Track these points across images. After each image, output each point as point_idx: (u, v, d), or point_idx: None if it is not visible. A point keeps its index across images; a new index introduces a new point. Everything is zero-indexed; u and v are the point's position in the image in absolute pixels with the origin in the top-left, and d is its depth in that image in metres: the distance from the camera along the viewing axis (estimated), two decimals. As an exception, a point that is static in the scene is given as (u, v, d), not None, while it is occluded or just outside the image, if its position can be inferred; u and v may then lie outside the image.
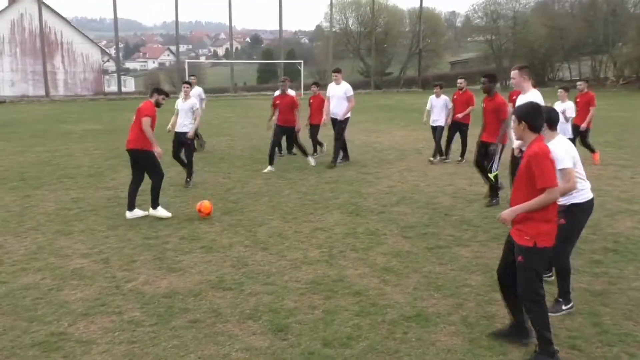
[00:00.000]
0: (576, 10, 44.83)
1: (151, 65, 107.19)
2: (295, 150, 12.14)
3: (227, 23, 40.58)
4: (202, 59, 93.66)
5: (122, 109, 25.77)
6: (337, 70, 11.14)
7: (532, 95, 6.11)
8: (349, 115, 10.97)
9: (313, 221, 7.36)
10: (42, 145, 14.17)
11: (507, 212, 3.86)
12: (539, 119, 3.91)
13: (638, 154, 12.44)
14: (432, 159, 11.51)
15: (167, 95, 7.81)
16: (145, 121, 7.35)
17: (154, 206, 7.58)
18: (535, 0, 47.31)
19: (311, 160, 11.21)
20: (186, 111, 9.62)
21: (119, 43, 40.62)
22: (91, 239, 6.60)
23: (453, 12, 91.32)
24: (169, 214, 7.54)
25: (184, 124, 9.58)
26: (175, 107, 9.80)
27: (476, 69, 52.88)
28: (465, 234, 6.75)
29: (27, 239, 6.60)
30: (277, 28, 41.53)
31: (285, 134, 11.17)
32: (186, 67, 34.81)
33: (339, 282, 5.29)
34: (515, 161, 6.52)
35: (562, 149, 4.31)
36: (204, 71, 63.57)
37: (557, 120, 4.47)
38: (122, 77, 43.42)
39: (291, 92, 11.49)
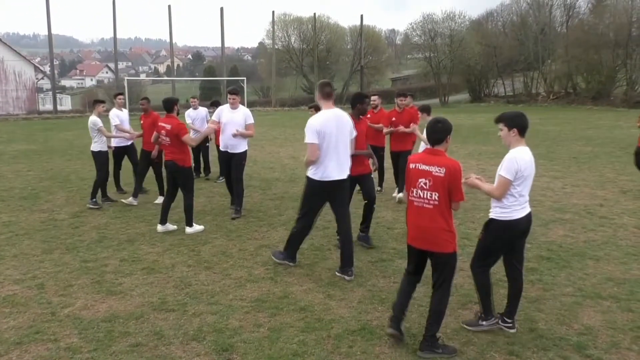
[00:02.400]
0: (508, 29, 46.90)
1: (89, 82, 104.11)
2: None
3: (168, 40, 40.07)
4: (143, 76, 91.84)
5: (57, 128, 24.90)
6: (234, 92, 8.34)
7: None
8: (246, 148, 8.55)
9: (257, 238, 7.33)
10: (-29, 166, 13.47)
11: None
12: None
13: (568, 165, 13.09)
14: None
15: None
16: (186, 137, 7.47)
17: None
18: (469, 19, 49.27)
19: (133, 201, 9.32)
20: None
21: (54, 60, 39.30)
22: (24, 264, 6.32)
23: (393, 30, 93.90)
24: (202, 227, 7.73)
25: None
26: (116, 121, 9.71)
27: (416, 84, 54.52)
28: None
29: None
30: (219, 45, 41.38)
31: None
32: (125, 84, 33.99)
33: (284, 298, 5.28)
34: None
35: (519, 159, 4.31)
36: (145, 88, 62.31)
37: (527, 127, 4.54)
38: (58, 95, 41.94)
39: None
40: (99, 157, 9.17)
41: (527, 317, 4.83)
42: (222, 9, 38.97)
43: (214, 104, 10.89)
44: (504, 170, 4.27)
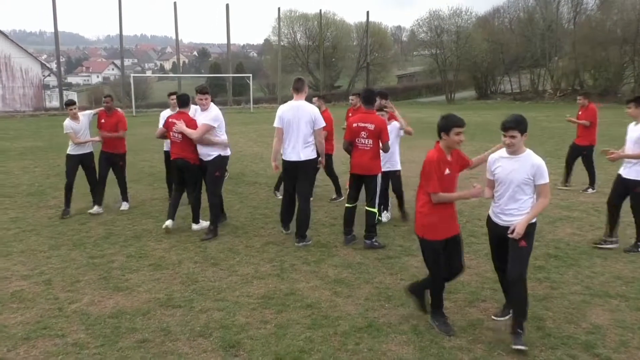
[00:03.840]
0: (515, 25, 46.67)
1: (95, 79, 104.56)
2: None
3: (174, 36, 40.10)
4: (148, 73, 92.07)
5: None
6: (203, 91, 7.25)
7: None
8: (227, 153, 7.53)
9: (264, 235, 7.32)
10: (-22, 163, 13.54)
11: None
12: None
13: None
14: None
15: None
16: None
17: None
18: (476, 16, 49.03)
19: (98, 209, 8.56)
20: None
21: (61, 57, 39.41)
22: (32, 260, 6.34)
23: (399, 27, 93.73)
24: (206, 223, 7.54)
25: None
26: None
27: (422, 82, 54.37)
28: (414, 244, 6.84)
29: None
30: (225, 42, 41.33)
31: (113, 162, 8.75)
32: (131, 81, 34.12)
33: (290, 295, 5.28)
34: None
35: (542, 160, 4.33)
36: (151, 85, 62.49)
37: None
38: (65, 92, 42.05)
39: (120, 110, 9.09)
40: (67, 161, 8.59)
41: (534, 315, 4.80)
42: (227, 5, 38.94)
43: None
44: (545, 176, 4.26)
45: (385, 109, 7.43)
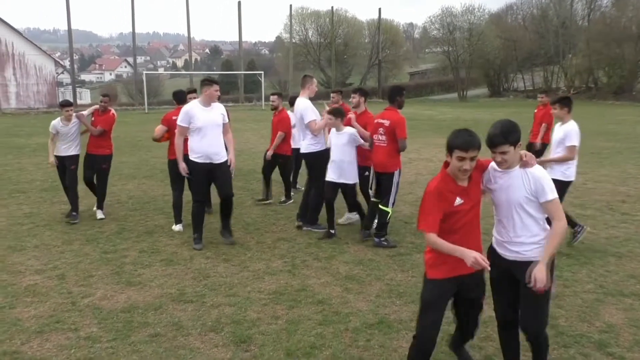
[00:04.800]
0: (528, 22, 46.35)
1: (108, 77, 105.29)
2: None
3: (186, 34, 40.23)
4: (161, 71, 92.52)
5: (77, 121, 25.11)
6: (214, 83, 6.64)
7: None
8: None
9: (275, 231, 7.34)
10: (-7, 159, 13.68)
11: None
12: None
13: (588, 161, 12.89)
14: None
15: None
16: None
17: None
18: (489, 13, 48.72)
19: (76, 218, 7.86)
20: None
21: (74, 54, 39.75)
22: (46, 255, 6.40)
23: (411, 24, 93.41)
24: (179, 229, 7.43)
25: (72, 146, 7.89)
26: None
27: (434, 79, 54.13)
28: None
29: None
30: (237, 39, 41.44)
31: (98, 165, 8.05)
32: (144, 78, 34.32)
33: (301, 291, 5.28)
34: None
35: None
36: (163, 83, 62.78)
37: None
38: (78, 89, 42.38)
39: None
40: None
41: (547, 313, 4.76)
42: (239, 3, 39.00)
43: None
44: (550, 190, 3.30)
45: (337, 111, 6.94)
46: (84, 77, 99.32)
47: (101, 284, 5.52)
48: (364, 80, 50.11)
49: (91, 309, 4.92)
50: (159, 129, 7.48)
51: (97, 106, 8.14)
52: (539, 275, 3.21)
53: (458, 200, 3.34)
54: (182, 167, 6.53)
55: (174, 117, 7.22)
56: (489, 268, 3.23)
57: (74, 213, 7.89)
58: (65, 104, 7.93)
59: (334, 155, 6.84)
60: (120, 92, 57.63)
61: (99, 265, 6.06)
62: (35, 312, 4.86)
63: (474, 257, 3.13)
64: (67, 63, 45.30)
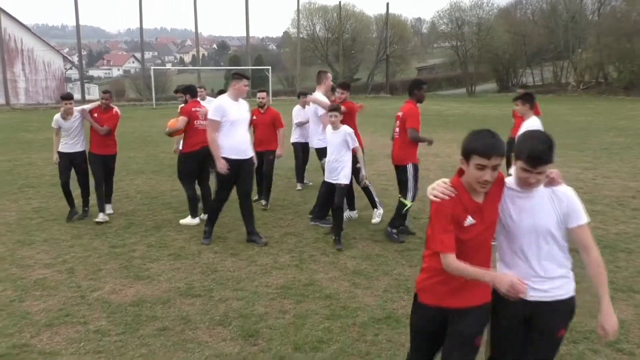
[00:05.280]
0: (537, 17, 45.98)
1: (116, 72, 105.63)
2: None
3: (193, 29, 40.27)
4: (168, 66, 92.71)
5: (86, 116, 25.23)
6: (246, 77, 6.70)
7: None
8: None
9: (283, 226, 7.34)
10: (2, 154, 13.79)
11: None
12: None
13: (598, 156, 12.80)
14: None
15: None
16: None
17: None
18: (498, 7, 48.38)
19: (104, 216, 7.64)
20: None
21: (82, 50, 39.91)
22: (55, 249, 6.44)
23: (419, 19, 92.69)
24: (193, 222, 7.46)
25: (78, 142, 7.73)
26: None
27: (442, 74, 53.88)
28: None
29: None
30: (244, 34, 41.41)
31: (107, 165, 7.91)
32: (152, 74, 34.39)
33: (309, 286, 5.28)
34: None
35: None
36: (170, 78, 62.88)
37: None
38: (86, 85, 42.59)
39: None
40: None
41: (556, 308, 4.74)
42: (247, -2, 38.95)
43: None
44: (582, 211, 2.89)
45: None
46: (92, 72, 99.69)
47: (110, 277, 5.54)
48: (372, 76, 49.95)
49: (100, 302, 4.94)
50: (181, 120, 7.25)
51: (98, 102, 7.91)
52: (612, 324, 2.78)
53: (469, 220, 2.69)
54: (222, 164, 6.25)
55: (194, 109, 7.27)
56: (528, 294, 2.62)
57: (86, 208, 7.91)
58: (65, 97, 7.66)
59: (328, 154, 6.65)
60: (128, 88, 57.74)
61: (107, 259, 6.09)
62: (44, 305, 4.89)
63: (510, 282, 2.52)
64: (75, 59, 45.49)
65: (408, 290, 5.15)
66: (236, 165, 6.36)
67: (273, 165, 8.57)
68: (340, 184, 6.54)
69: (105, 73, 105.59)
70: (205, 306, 4.85)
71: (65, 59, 42.98)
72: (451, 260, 2.64)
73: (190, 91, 7.71)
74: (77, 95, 41.08)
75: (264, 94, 8.57)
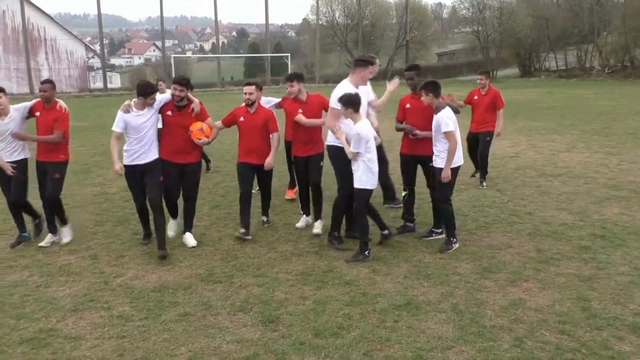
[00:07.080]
0: (561, 0, 44.99)
1: (137, 61, 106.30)
2: None
3: (213, 17, 40.35)
4: (189, 54, 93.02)
5: (107, 105, 25.50)
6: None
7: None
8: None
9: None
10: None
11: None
12: None
13: (624, 141, 12.53)
14: None
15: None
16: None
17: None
18: (520, -10, 47.37)
19: (51, 238, 6.42)
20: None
21: (104, 39, 40.24)
22: (78, 235, 6.54)
23: (439, 4, 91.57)
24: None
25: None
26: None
27: (463, 60, 53.12)
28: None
29: (14, 236, 6.51)
30: (264, 22, 41.37)
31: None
32: (172, 62, 34.59)
33: (329, 272, 5.29)
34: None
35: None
36: (191, 66, 63.15)
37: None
38: (108, 74, 43.02)
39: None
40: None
41: (579, 295, 4.68)
42: (266, -15, 38.81)
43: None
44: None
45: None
46: (114, 61, 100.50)
47: (132, 264, 5.62)
48: (391, 62, 49.51)
49: (123, 288, 5.02)
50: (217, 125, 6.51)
51: (37, 99, 6.31)
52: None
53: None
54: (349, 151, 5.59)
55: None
56: None
57: (52, 235, 6.39)
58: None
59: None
60: (149, 76, 58.15)
61: (129, 245, 6.17)
62: (69, 291, 4.99)
63: None
64: (97, 47, 45.92)
65: (428, 277, 5.13)
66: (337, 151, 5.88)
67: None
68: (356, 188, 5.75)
69: (127, 61, 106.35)
70: (226, 292, 4.89)
71: (87, 47, 43.42)
72: None
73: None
74: (99, 84, 41.52)
75: (252, 88, 6.60)
